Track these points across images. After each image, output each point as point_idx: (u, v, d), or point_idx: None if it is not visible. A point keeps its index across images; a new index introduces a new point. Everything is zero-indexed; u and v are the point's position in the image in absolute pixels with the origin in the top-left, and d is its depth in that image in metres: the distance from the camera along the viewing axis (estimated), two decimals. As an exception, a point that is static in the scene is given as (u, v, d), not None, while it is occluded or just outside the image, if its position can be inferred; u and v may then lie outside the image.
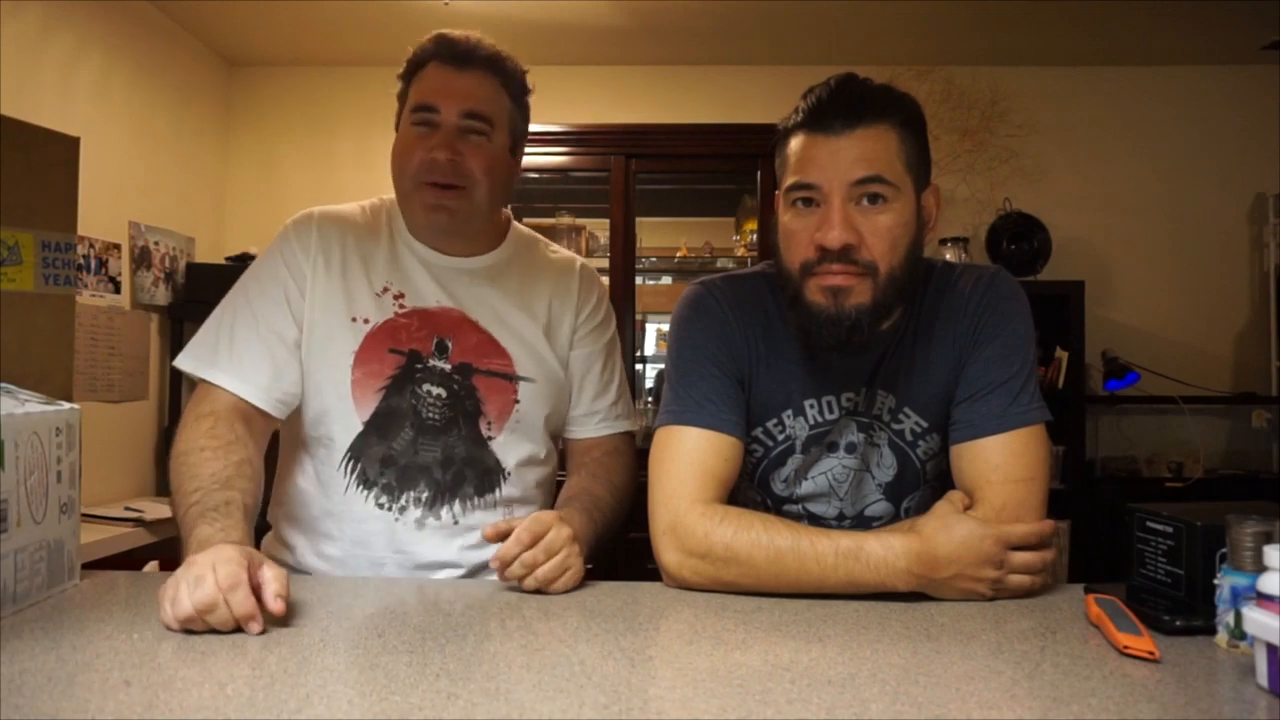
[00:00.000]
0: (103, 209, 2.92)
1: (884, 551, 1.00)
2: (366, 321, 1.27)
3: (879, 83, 1.12)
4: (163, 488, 3.15)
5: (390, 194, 1.35)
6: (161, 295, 3.21)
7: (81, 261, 2.80)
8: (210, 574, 0.87)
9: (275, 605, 0.88)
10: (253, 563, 0.91)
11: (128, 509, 2.61)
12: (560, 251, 1.44)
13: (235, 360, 1.22)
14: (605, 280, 3.27)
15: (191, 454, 1.12)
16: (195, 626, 0.85)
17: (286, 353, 1.25)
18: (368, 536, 1.25)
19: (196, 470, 1.09)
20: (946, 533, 1.00)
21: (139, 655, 0.80)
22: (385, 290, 1.29)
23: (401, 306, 1.29)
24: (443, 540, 1.26)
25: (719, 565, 1.03)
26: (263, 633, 0.86)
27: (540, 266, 1.39)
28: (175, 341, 3.21)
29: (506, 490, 1.30)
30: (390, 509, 1.25)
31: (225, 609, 0.85)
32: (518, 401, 1.30)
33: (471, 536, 1.27)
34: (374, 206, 1.37)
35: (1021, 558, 1.02)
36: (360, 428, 1.26)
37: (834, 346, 1.10)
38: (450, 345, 1.29)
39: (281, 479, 1.34)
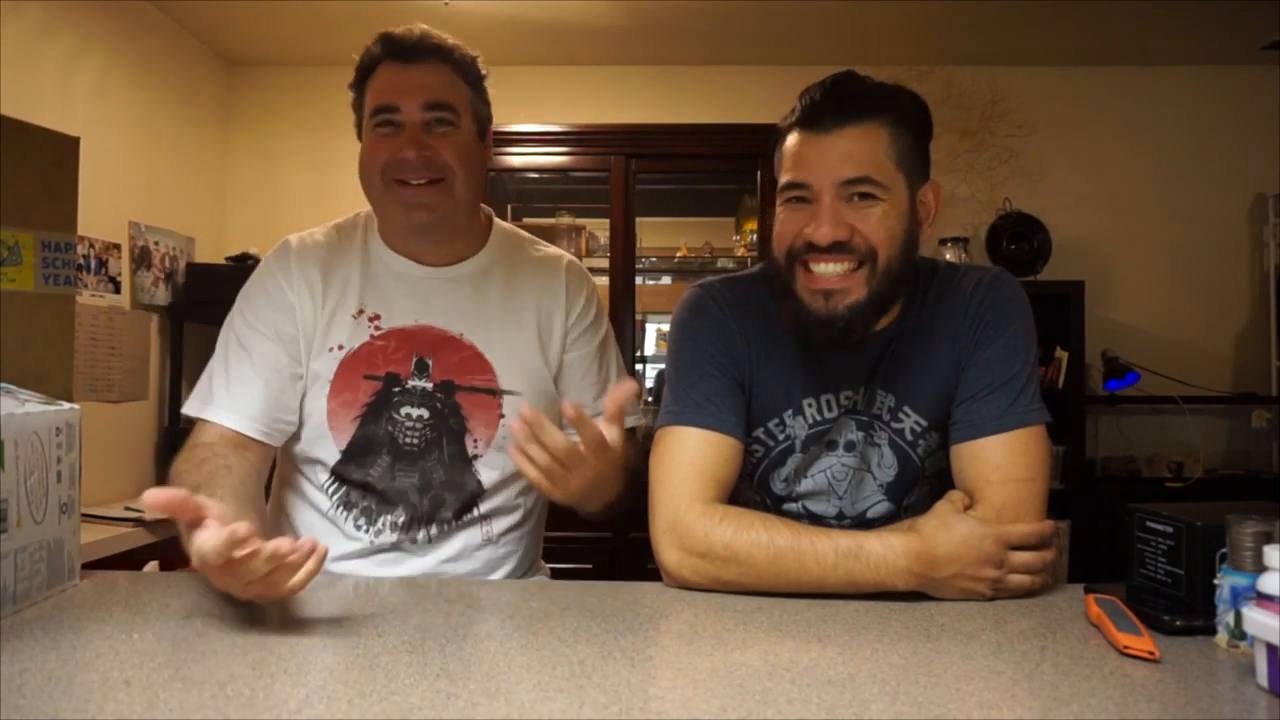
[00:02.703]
0: (103, 209, 2.91)
1: (884, 550, 1.00)
2: (341, 348, 1.26)
3: (878, 80, 1.12)
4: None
5: (361, 208, 1.34)
6: (161, 295, 3.21)
7: (81, 261, 2.80)
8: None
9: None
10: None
11: (128, 509, 2.61)
12: (546, 249, 1.41)
13: (229, 395, 1.22)
14: (605, 280, 3.28)
15: (171, 480, 1.10)
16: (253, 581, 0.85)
17: (283, 382, 1.25)
18: (345, 557, 1.26)
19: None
20: (946, 532, 1.00)
21: (139, 655, 0.80)
22: (361, 313, 1.27)
23: (378, 329, 1.27)
24: (417, 561, 1.27)
25: (719, 564, 1.03)
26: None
27: (525, 268, 1.35)
28: (175, 341, 3.21)
29: (485, 506, 1.29)
30: (367, 531, 1.27)
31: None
32: (503, 416, 1.28)
33: (445, 554, 1.27)
34: (348, 223, 1.35)
35: (1021, 557, 1.02)
36: (339, 456, 1.26)
37: (827, 346, 1.12)
38: (431, 363, 1.27)
39: (274, 495, 1.35)
